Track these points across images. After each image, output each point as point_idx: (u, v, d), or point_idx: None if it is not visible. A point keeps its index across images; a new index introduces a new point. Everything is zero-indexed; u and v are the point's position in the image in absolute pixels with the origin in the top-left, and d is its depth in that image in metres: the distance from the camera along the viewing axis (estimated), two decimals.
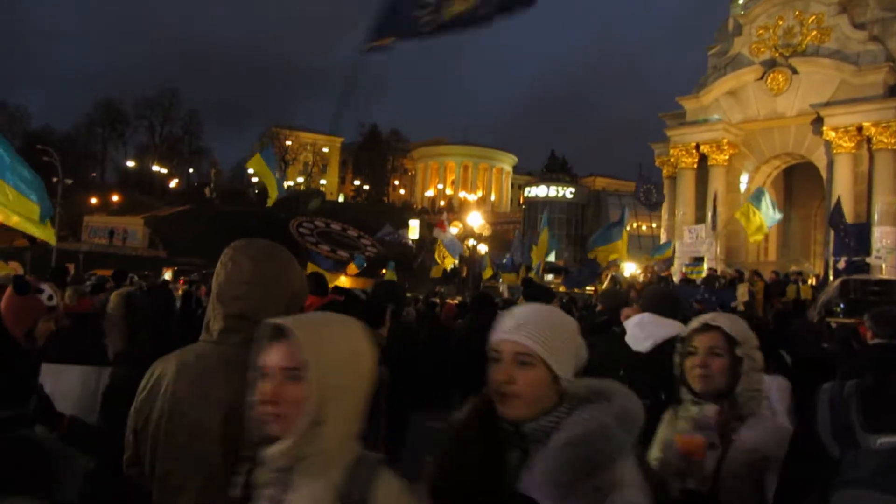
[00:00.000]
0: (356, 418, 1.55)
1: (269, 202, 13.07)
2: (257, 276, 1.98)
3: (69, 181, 41.20)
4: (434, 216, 67.62)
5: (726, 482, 2.17)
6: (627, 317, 5.78)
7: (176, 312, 2.44)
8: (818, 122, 25.72)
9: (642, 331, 3.49)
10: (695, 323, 2.34)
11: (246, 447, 1.83)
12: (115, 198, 65.23)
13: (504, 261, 26.08)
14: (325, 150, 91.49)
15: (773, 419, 2.36)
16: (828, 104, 25.37)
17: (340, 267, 21.09)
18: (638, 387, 3.19)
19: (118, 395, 2.76)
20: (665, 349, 3.21)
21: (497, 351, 1.69)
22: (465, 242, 29.96)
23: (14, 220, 5.77)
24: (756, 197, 18.38)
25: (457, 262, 18.70)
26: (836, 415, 1.96)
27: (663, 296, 3.75)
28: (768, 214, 18.40)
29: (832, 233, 20.15)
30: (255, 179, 79.04)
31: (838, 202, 20.36)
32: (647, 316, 3.56)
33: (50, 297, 2.91)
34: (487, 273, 24.75)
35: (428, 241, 40.02)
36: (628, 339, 3.57)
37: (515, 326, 1.68)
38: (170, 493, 1.94)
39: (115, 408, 2.76)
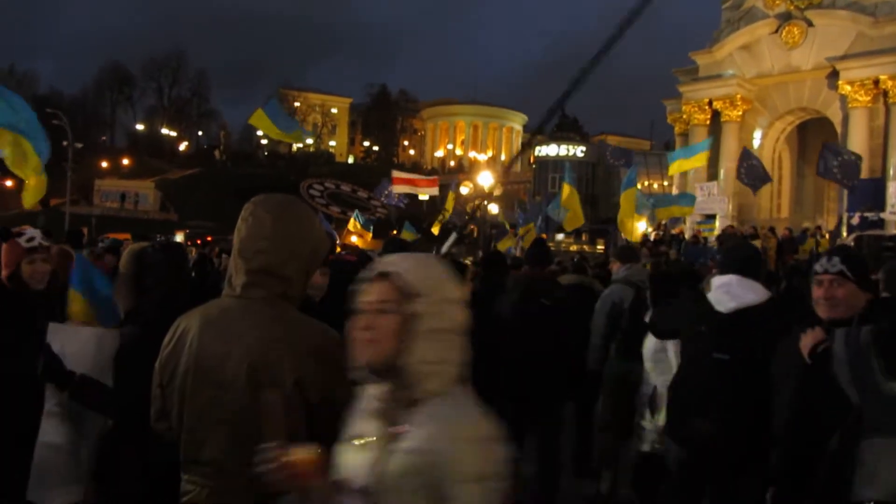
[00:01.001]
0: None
1: (294, 146, 13.13)
2: (278, 231, 2.00)
3: (79, 145, 41.18)
4: (444, 176, 67.43)
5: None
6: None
7: (188, 269, 2.43)
8: (834, 75, 25.28)
9: (727, 293, 3.45)
10: (367, 272, 1.62)
11: (273, 398, 1.87)
12: (125, 161, 65.33)
13: (518, 221, 25.67)
14: (334, 110, 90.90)
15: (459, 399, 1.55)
16: (844, 57, 24.90)
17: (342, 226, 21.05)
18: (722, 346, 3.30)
19: (128, 354, 2.77)
20: (749, 313, 3.34)
21: None
22: (476, 202, 29.81)
23: (32, 182, 5.80)
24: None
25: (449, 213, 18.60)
26: (855, 361, 1.95)
27: (748, 257, 3.65)
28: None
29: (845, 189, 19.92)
30: (264, 142, 78.93)
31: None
32: (734, 278, 3.48)
33: (29, 239, 2.92)
34: (506, 243, 23.65)
35: (438, 200, 39.93)
36: (711, 299, 3.51)
37: None
38: (196, 446, 1.98)
39: (126, 367, 2.79)
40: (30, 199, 6.12)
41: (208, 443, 1.96)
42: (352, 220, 19.43)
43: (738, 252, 3.80)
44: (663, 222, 22.08)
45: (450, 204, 17.87)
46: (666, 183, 34.53)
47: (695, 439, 3.39)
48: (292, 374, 1.88)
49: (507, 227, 25.13)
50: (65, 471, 3.04)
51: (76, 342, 3.19)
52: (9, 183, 51.22)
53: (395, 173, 20.66)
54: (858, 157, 17.28)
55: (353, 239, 19.92)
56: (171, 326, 2.35)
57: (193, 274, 10.68)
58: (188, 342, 2.00)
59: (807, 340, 2.50)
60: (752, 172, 19.13)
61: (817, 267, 2.68)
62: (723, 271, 3.61)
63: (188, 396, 1.98)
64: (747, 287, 3.43)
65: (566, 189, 15.42)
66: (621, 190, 13.54)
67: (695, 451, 3.42)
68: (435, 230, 17.88)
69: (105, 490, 2.83)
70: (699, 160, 18.70)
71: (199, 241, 24.18)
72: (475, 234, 31.61)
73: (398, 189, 19.24)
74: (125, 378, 2.73)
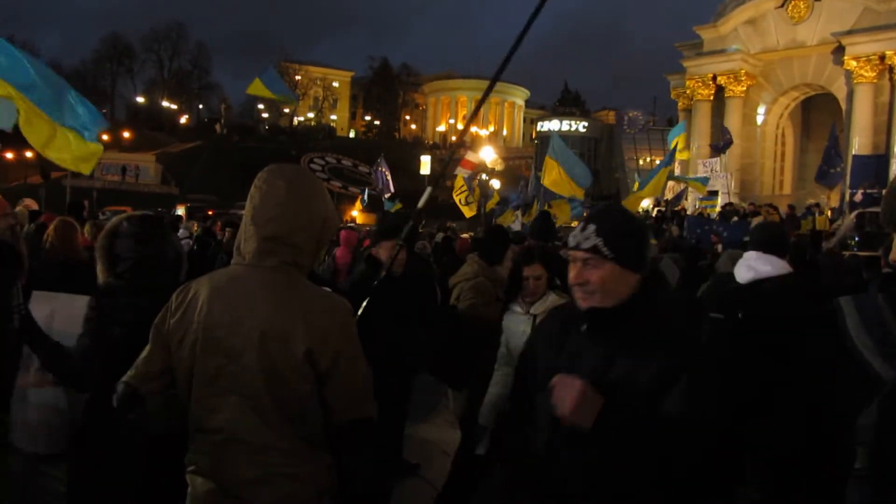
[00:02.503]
0: None
1: (286, 108, 13.29)
2: (290, 198, 2.00)
3: None
4: (444, 151, 67.11)
5: None
6: None
7: (163, 242, 2.39)
8: (839, 51, 25.06)
9: (748, 268, 3.66)
10: None
11: (288, 367, 1.88)
12: (125, 134, 65.06)
13: (513, 196, 25.51)
14: (336, 84, 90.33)
15: None
16: (850, 32, 24.65)
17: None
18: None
19: (93, 326, 2.78)
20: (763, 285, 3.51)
21: None
22: (479, 177, 29.68)
23: (82, 167, 5.80)
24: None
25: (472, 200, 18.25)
26: (875, 331, 1.88)
27: (771, 234, 3.79)
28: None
29: (849, 165, 19.86)
30: (265, 115, 78.54)
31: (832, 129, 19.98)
32: (754, 255, 3.67)
33: None
34: (508, 218, 23.53)
35: (438, 175, 39.77)
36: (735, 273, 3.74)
37: None
38: (203, 415, 1.98)
39: (90, 336, 2.79)
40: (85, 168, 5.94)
41: (216, 412, 1.96)
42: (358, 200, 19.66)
43: (762, 231, 3.94)
44: (666, 199, 22.02)
45: (458, 183, 17.71)
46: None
47: None
48: (304, 344, 1.88)
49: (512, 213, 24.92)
50: (58, 428, 3.09)
51: (70, 308, 3.18)
52: (9, 155, 51.09)
53: (469, 155, 21.03)
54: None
55: (354, 213, 19.92)
56: (136, 298, 2.47)
57: (195, 247, 10.75)
58: (197, 310, 1.99)
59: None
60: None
61: (569, 239, 2.00)
62: (748, 248, 3.78)
63: (197, 365, 1.98)
64: (766, 261, 3.59)
65: (551, 167, 12.87)
66: (655, 171, 13.27)
67: None
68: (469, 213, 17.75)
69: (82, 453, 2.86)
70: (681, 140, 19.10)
71: (203, 218, 24.19)
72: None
73: (463, 171, 19.18)
74: (92, 348, 2.74)
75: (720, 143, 22.71)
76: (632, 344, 1.86)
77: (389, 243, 4.26)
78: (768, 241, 3.69)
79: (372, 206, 23.88)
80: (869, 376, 1.92)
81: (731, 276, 3.78)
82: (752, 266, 3.62)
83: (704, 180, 19.69)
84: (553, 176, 12.74)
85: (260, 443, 1.92)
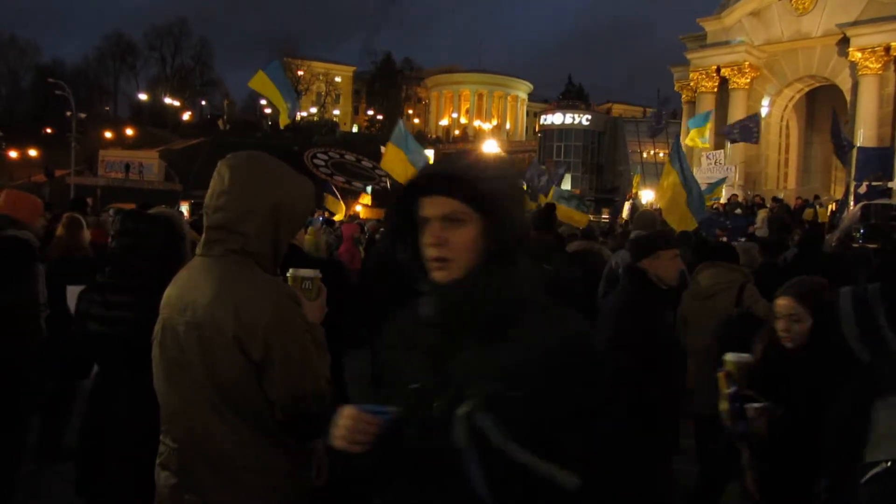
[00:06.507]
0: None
1: (281, 124, 12.75)
2: (233, 186, 1.95)
3: (82, 115, 40.97)
4: (448, 146, 67.06)
5: None
6: None
7: (156, 236, 2.50)
8: (844, 42, 24.94)
9: None
10: None
11: (225, 364, 1.85)
12: (129, 131, 65.13)
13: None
14: (338, 79, 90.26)
15: None
16: (855, 23, 24.54)
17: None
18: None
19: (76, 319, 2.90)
20: None
21: None
22: None
23: None
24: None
25: None
26: (863, 319, 1.94)
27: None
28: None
29: (854, 157, 19.77)
30: (268, 111, 78.49)
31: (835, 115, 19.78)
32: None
33: None
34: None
35: None
36: None
37: None
38: (164, 408, 2.01)
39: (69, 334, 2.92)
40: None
41: (171, 403, 1.98)
42: (364, 195, 19.68)
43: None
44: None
45: None
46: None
47: None
48: (232, 332, 1.83)
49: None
50: None
51: (71, 302, 3.31)
52: (13, 154, 51.17)
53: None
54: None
55: (358, 208, 19.91)
56: (111, 294, 2.62)
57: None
58: (164, 305, 2.02)
59: None
60: (745, 132, 20.21)
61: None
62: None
63: (159, 355, 1.99)
64: None
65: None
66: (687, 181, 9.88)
67: None
68: None
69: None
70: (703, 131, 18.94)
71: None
72: None
73: None
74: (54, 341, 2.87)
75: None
76: None
77: None
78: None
79: (380, 200, 23.86)
80: (857, 366, 1.97)
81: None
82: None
83: (722, 181, 20.14)
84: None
85: (212, 435, 1.89)
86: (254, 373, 1.86)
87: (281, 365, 1.85)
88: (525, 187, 21.17)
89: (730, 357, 2.81)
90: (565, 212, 12.96)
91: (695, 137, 20.22)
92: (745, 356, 2.84)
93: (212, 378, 1.86)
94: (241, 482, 1.89)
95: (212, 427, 1.88)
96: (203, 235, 2.00)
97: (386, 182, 37.40)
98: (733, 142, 21.93)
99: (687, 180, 9.21)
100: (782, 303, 2.88)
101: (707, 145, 20.74)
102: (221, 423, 1.87)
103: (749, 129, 21.09)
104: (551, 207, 7.09)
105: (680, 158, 9.57)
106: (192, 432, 1.93)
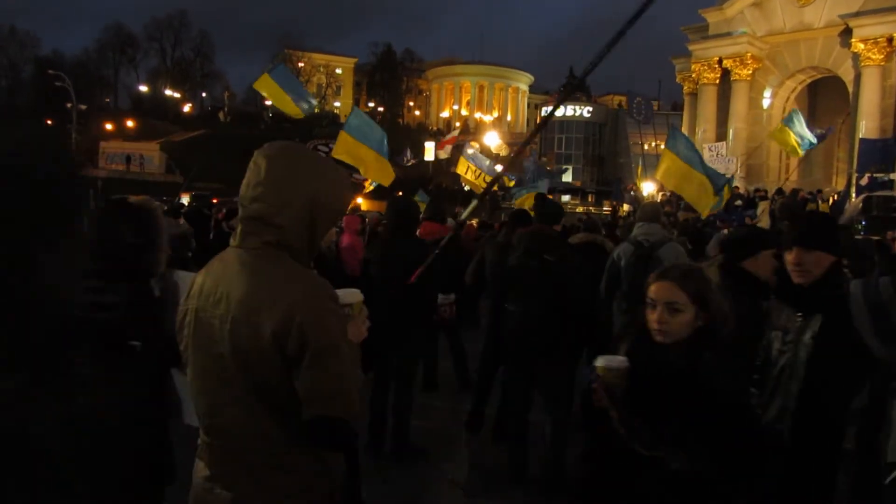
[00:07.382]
0: None
1: (296, 116, 12.52)
2: (270, 176, 1.91)
3: (83, 107, 40.93)
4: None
5: None
6: None
7: (130, 225, 2.42)
8: (846, 33, 24.86)
9: None
10: None
11: (257, 351, 1.81)
12: (129, 123, 65.03)
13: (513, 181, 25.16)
14: (339, 71, 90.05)
15: None
16: (857, 14, 24.45)
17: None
18: None
19: None
20: None
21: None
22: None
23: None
24: (790, 119, 16.53)
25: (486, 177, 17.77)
26: (877, 314, 1.90)
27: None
28: (804, 136, 16.37)
29: (856, 149, 19.73)
30: (268, 102, 78.25)
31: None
32: None
33: None
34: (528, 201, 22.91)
35: (444, 163, 39.73)
36: None
37: None
38: (198, 399, 1.98)
39: None
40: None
41: (204, 398, 1.95)
42: (366, 184, 19.50)
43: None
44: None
45: (462, 168, 17.55)
46: None
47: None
48: (270, 327, 1.79)
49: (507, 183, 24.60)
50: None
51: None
52: None
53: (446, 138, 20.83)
54: None
55: (360, 200, 19.83)
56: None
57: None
58: (192, 294, 1.98)
59: None
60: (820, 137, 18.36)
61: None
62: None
63: (190, 349, 1.96)
64: None
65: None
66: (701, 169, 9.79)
67: None
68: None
69: None
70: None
71: (207, 206, 24.08)
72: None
73: (442, 153, 19.03)
74: None
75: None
76: None
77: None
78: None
79: (380, 193, 23.78)
80: (867, 360, 1.94)
81: None
82: None
83: (728, 181, 19.72)
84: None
85: (241, 431, 1.87)
86: (286, 370, 1.82)
87: (315, 364, 1.79)
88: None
89: (601, 362, 2.23)
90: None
91: (794, 143, 17.10)
92: (619, 359, 2.25)
93: (244, 373, 1.83)
94: (271, 481, 1.87)
95: (243, 424, 1.86)
96: (238, 226, 1.97)
97: None
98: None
99: (688, 159, 9.00)
100: (660, 287, 2.30)
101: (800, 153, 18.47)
102: (252, 420, 1.84)
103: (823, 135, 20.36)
104: (553, 201, 7.09)
105: (676, 140, 9.30)
106: (223, 428, 1.91)
